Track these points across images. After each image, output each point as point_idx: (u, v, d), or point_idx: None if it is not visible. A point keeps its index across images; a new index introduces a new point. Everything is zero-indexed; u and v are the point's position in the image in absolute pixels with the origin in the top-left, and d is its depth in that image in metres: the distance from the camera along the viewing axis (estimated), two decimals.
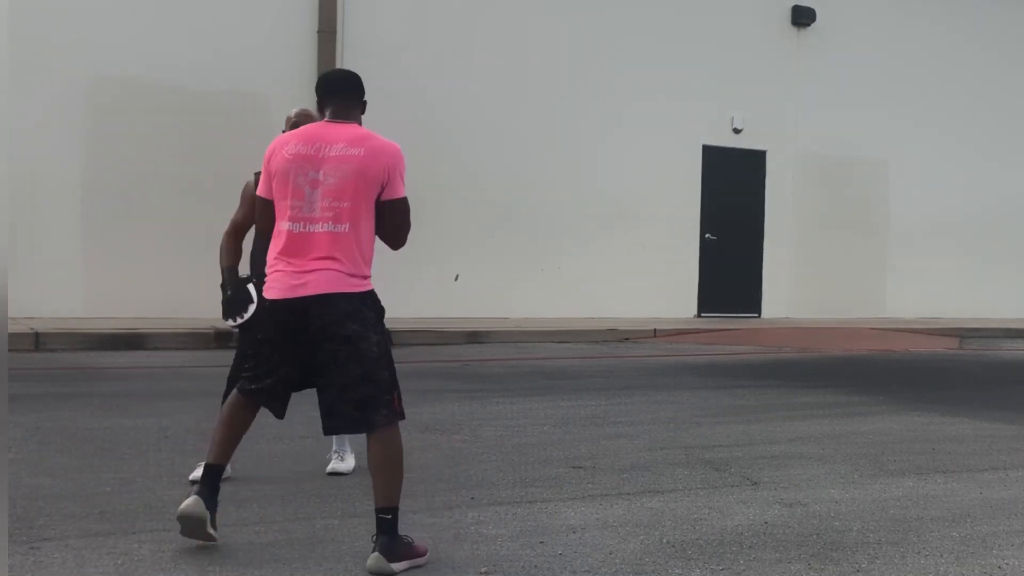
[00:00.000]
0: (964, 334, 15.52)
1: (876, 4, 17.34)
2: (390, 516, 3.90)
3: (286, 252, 4.01)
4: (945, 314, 17.67)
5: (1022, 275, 18.64)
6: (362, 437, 4.18)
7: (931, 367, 11.78)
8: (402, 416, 4.04)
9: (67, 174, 12.34)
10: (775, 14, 16.56)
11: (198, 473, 5.10)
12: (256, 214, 4.28)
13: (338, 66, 13.52)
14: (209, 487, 4.09)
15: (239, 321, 5.02)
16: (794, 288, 16.88)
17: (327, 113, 4.17)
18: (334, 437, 5.43)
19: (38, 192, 12.05)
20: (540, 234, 14.87)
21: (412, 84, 13.91)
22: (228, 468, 5.22)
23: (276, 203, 4.06)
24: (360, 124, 4.20)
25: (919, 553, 4.27)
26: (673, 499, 5.06)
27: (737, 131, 16.26)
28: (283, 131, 5.18)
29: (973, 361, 12.60)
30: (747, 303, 16.57)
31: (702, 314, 16.12)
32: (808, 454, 6.26)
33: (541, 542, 4.28)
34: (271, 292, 4.06)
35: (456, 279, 14.26)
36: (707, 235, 16.19)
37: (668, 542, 4.34)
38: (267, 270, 4.11)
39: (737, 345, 13.43)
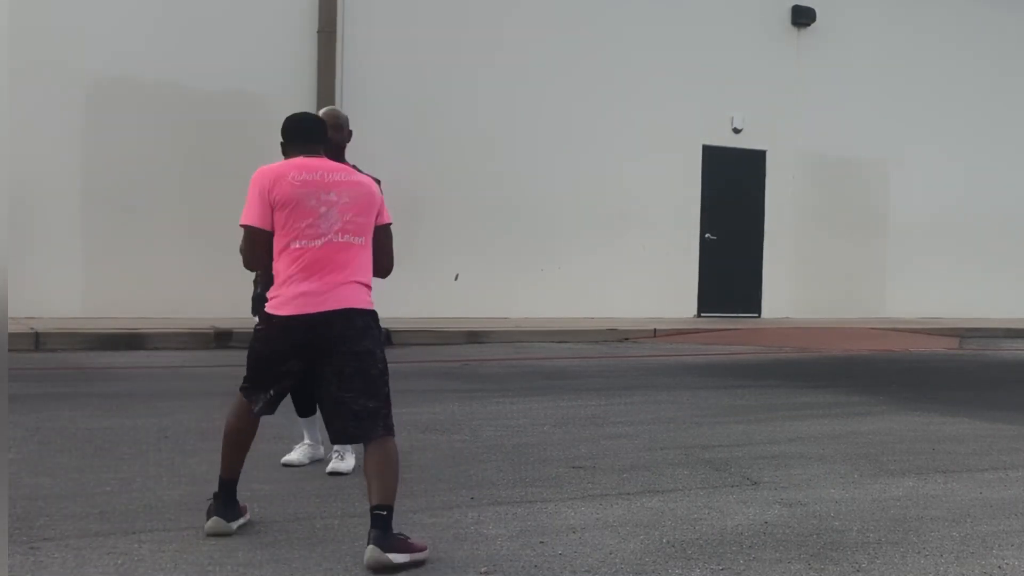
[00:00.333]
0: (964, 334, 15.52)
1: (876, 4, 17.34)
2: (385, 512, 3.95)
3: (306, 268, 4.09)
4: (945, 314, 17.68)
5: (1022, 275, 18.64)
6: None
7: (931, 367, 11.78)
8: (393, 433, 4.14)
9: (67, 174, 12.35)
10: (775, 14, 16.56)
11: (291, 457, 5.59)
12: (250, 246, 4.24)
13: (338, 66, 13.55)
14: (224, 501, 4.29)
15: None
16: (794, 288, 16.88)
17: (299, 152, 4.35)
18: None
19: (38, 192, 12.05)
20: (540, 234, 14.87)
21: (412, 84, 13.91)
22: (322, 449, 5.64)
23: (285, 228, 4.12)
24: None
25: (919, 553, 4.27)
26: (673, 499, 5.06)
27: (737, 131, 16.27)
28: None
29: (973, 361, 12.60)
30: (747, 303, 16.58)
31: (702, 314, 16.13)
32: (808, 454, 6.26)
33: (541, 542, 4.28)
34: (288, 308, 4.10)
35: (456, 279, 14.27)
36: (707, 235, 16.19)
37: (668, 542, 4.34)
38: (279, 287, 4.15)
39: (737, 345, 13.43)
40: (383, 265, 4.35)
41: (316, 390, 4.19)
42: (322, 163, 4.28)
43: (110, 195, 12.53)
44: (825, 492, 5.28)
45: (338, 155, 5.26)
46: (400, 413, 7.17)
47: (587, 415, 7.43)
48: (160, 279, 12.66)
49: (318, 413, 5.44)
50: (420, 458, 5.85)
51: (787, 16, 16.62)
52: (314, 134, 4.43)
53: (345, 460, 5.47)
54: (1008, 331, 16.09)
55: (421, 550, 3.99)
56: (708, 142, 16.12)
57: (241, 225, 4.20)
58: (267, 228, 4.16)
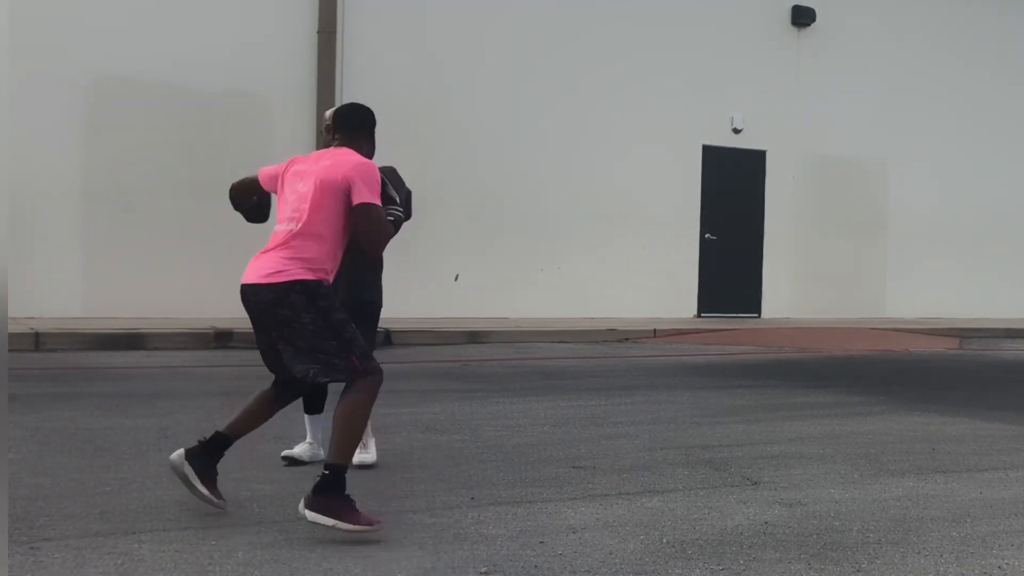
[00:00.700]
0: (964, 334, 15.52)
1: (876, 4, 17.34)
2: (328, 472, 4.16)
3: (268, 243, 4.58)
4: (945, 314, 17.68)
5: (1022, 275, 18.64)
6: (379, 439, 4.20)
7: (931, 367, 11.78)
8: (368, 372, 4.34)
9: (67, 174, 12.35)
10: (775, 14, 16.56)
11: (291, 451, 5.59)
12: (245, 182, 4.91)
13: (338, 66, 13.55)
14: (203, 447, 4.56)
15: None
16: (794, 288, 16.88)
17: (335, 140, 4.74)
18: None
19: (38, 192, 12.06)
20: (540, 234, 14.87)
21: (412, 84, 13.91)
22: (315, 450, 5.60)
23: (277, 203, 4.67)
24: (361, 150, 4.72)
25: (919, 553, 4.27)
26: (673, 499, 5.06)
27: (737, 131, 16.27)
28: (323, 128, 5.25)
29: (973, 361, 12.60)
30: (747, 303, 16.58)
31: (702, 314, 16.13)
32: (808, 454, 6.26)
33: (541, 542, 4.28)
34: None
35: (456, 279, 14.27)
36: (707, 235, 16.20)
37: (668, 542, 4.34)
38: None
39: (737, 345, 13.43)
40: (365, 243, 4.52)
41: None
42: (323, 153, 4.63)
43: (110, 195, 12.54)
44: (825, 492, 5.28)
45: None
46: (400, 413, 7.19)
47: (587, 415, 7.43)
48: (160, 279, 12.66)
49: (324, 413, 5.53)
50: (420, 458, 5.85)
51: (787, 16, 16.63)
52: (338, 122, 4.78)
53: (368, 451, 5.51)
54: (1008, 331, 16.09)
55: (356, 523, 4.13)
56: (708, 142, 16.12)
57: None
58: (265, 187, 4.80)
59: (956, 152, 18.05)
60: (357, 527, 4.13)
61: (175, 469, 4.51)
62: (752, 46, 16.34)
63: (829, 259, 17.11)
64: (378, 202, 4.45)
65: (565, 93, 14.99)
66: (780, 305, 16.79)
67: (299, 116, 13.30)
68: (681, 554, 4.17)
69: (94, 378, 8.75)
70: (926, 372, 11.29)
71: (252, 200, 4.93)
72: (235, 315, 12.53)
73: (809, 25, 16.71)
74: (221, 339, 11.24)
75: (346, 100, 13.59)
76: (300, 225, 4.44)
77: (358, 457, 5.41)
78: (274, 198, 4.78)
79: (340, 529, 4.10)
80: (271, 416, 4.73)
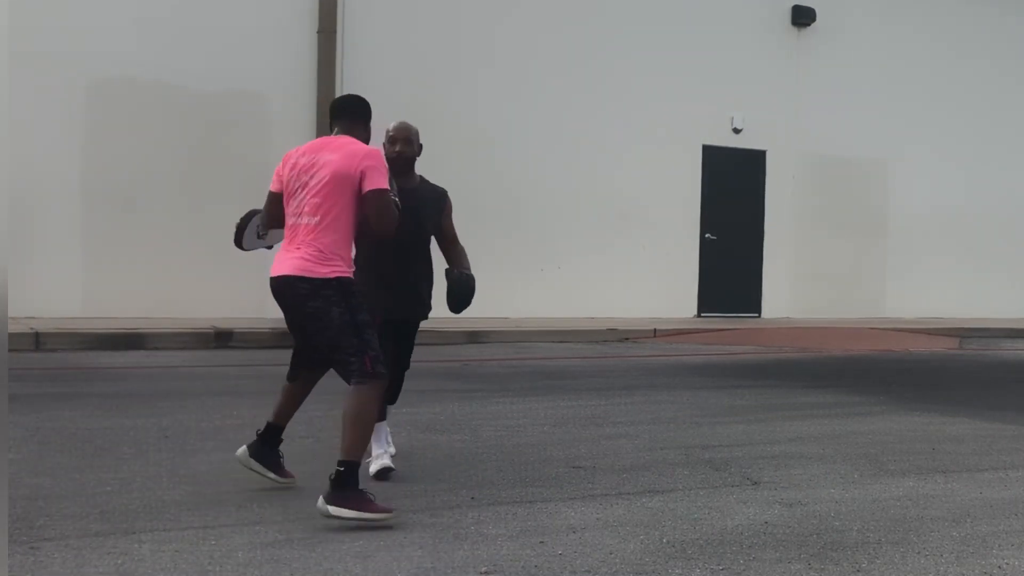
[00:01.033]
0: (964, 334, 15.53)
1: (876, 4, 17.35)
2: (343, 468, 4.39)
3: (285, 239, 4.79)
4: (945, 314, 17.68)
5: (1022, 275, 18.65)
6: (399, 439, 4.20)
7: (931, 367, 11.78)
8: (375, 376, 4.55)
9: (67, 174, 12.35)
10: (775, 14, 16.56)
11: (384, 462, 5.41)
12: (271, 208, 4.96)
13: (338, 66, 13.55)
14: (261, 440, 4.99)
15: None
16: (794, 288, 16.89)
17: (334, 130, 4.90)
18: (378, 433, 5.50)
19: (38, 192, 12.06)
20: (540, 234, 14.87)
21: (412, 84, 13.91)
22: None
23: (287, 206, 4.80)
24: (360, 139, 4.86)
25: (919, 553, 4.27)
26: (673, 499, 5.06)
27: (737, 131, 16.27)
28: (383, 144, 5.39)
29: (973, 361, 12.60)
30: (747, 303, 16.58)
31: (702, 314, 16.13)
32: (808, 454, 6.26)
33: (541, 542, 4.28)
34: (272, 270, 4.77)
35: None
36: (707, 235, 16.20)
37: (668, 542, 4.34)
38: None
39: (737, 345, 13.43)
40: (379, 227, 4.66)
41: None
42: (323, 145, 4.76)
43: (110, 195, 12.54)
44: (825, 492, 5.28)
45: (408, 168, 5.45)
46: (400, 413, 7.19)
47: (587, 415, 7.43)
48: (160, 279, 12.66)
49: (386, 419, 5.55)
50: (420, 458, 5.85)
51: (787, 16, 16.63)
52: (338, 112, 4.94)
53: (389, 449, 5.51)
54: (1008, 331, 16.09)
55: (373, 511, 4.35)
56: (708, 142, 16.12)
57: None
58: (278, 191, 4.86)
59: (956, 152, 18.06)
60: (377, 515, 4.37)
61: (243, 464, 4.95)
62: (752, 46, 16.34)
63: (829, 259, 17.11)
64: (388, 188, 4.65)
65: (565, 93, 14.99)
66: (780, 305, 16.79)
67: (299, 116, 13.29)
68: (681, 554, 4.18)
69: (94, 378, 8.75)
70: (926, 372, 11.29)
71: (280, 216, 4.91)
72: (235, 315, 12.56)
73: (809, 25, 16.71)
74: (221, 339, 11.24)
75: None
76: (320, 218, 4.61)
77: (376, 464, 5.34)
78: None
79: (362, 519, 4.32)
80: (307, 394, 5.06)
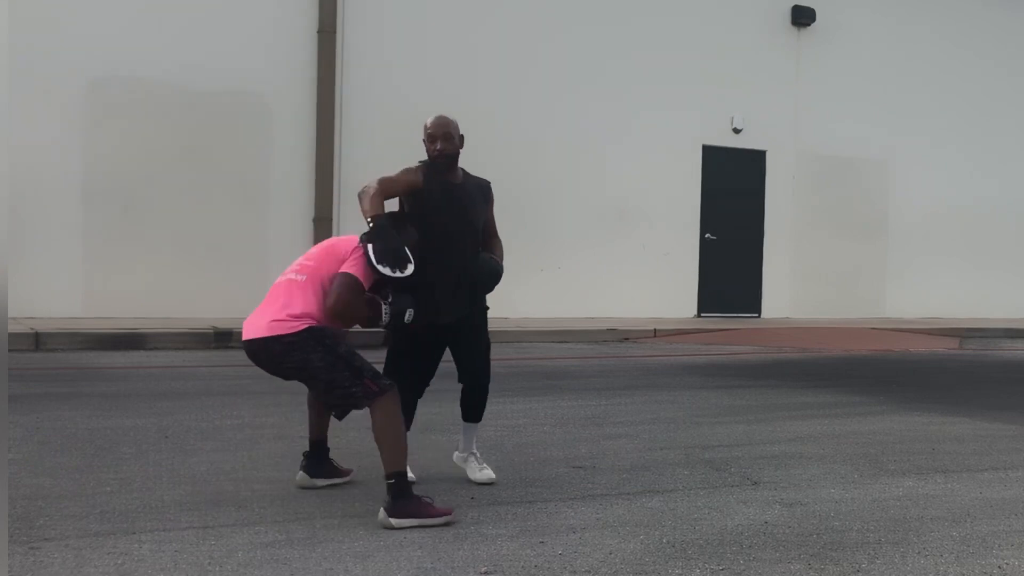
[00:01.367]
0: (964, 334, 15.53)
1: (876, 4, 17.35)
2: (392, 481, 4.49)
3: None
4: (945, 314, 17.68)
5: (1022, 275, 18.65)
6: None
7: (931, 367, 11.78)
8: (383, 390, 4.58)
9: (67, 174, 12.35)
10: (775, 14, 16.56)
11: (483, 475, 5.31)
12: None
13: (338, 66, 13.56)
14: (310, 458, 5.13)
15: (401, 274, 4.76)
16: (794, 288, 16.88)
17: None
18: (462, 437, 5.45)
19: (38, 192, 12.06)
20: (540, 234, 14.87)
21: (411, 84, 13.91)
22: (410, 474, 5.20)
23: None
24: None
25: (919, 553, 4.27)
26: (673, 499, 5.06)
27: (737, 131, 16.27)
28: (423, 141, 5.23)
29: (973, 361, 12.59)
30: (747, 303, 16.58)
31: (702, 314, 16.13)
32: (808, 454, 6.26)
33: (541, 542, 4.28)
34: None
35: None
36: (707, 235, 16.20)
37: (668, 542, 4.34)
38: None
39: (737, 345, 13.43)
40: (328, 309, 4.68)
41: None
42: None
43: (110, 195, 12.54)
44: (825, 492, 5.28)
45: (451, 166, 5.21)
46: None
47: (587, 415, 7.43)
48: (160, 279, 12.67)
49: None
50: (420, 458, 5.85)
51: (787, 16, 16.63)
52: None
53: (484, 469, 5.32)
54: (1008, 331, 16.09)
55: (432, 515, 4.45)
56: (708, 142, 16.12)
57: None
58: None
59: (956, 152, 18.06)
60: (439, 518, 4.48)
61: (306, 487, 5.09)
62: (752, 46, 16.34)
63: (829, 259, 17.11)
64: (358, 276, 4.67)
65: (565, 93, 15.00)
66: (780, 305, 16.79)
67: (299, 116, 13.29)
68: (681, 554, 4.18)
69: (94, 378, 8.75)
70: (926, 372, 11.29)
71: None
72: (235, 315, 12.55)
73: (809, 25, 16.71)
74: (221, 339, 11.24)
75: (346, 100, 13.60)
76: (307, 278, 4.75)
77: (480, 475, 5.27)
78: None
79: (425, 524, 4.43)
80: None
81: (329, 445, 5.26)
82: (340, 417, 4.79)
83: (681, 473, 5.64)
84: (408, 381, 5.14)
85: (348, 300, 4.66)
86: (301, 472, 5.11)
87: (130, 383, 8.56)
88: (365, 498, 4.93)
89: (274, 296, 4.76)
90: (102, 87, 12.47)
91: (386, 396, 4.58)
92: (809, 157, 16.89)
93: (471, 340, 5.25)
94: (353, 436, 6.48)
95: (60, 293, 12.20)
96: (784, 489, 5.33)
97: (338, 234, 13.58)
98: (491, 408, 7.61)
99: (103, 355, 10.28)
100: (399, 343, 5.16)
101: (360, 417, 7.17)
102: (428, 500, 4.53)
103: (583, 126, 15.14)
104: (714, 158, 16.17)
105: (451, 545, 4.20)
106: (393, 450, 4.52)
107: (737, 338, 13.99)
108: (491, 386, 5.53)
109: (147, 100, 12.66)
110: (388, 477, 4.51)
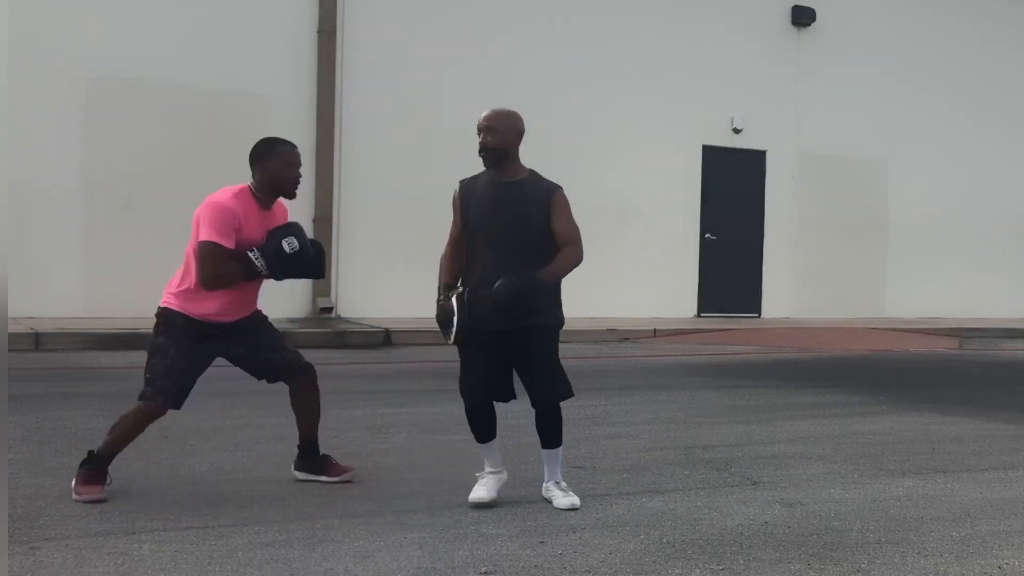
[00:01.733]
0: (964, 334, 15.52)
1: (876, 4, 17.34)
2: (89, 455, 4.94)
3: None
4: (945, 314, 17.68)
5: (1022, 275, 18.64)
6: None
7: (931, 367, 11.78)
8: (141, 397, 4.94)
9: (67, 174, 12.35)
10: (775, 14, 16.56)
11: (478, 494, 4.83)
12: None
13: (338, 66, 13.56)
14: (300, 454, 5.22)
15: (450, 339, 4.82)
16: (794, 288, 16.88)
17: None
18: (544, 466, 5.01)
19: (38, 192, 12.05)
20: None
21: (412, 84, 13.91)
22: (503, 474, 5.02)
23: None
24: (250, 182, 5.09)
25: (919, 553, 4.27)
26: (673, 499, 5.06)
27: (737, 131, 16.27)
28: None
29: (973, 361, 12.59)
30: (747, 303, 16.57)
31: (702, 314, 16.13)
32: (808, 454, 6.26)
33: (541, 542, 4.28)
34: None
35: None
36: (707, 235, 16.19)
37: (668, 542, 4.34)
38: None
39: (737, 345, 13.43)
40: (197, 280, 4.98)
41: None
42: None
43: (110, 195, 12.54)
44: (825, 492, 5.28)
45: (498, 160, 5.01)
46: (400, 413, 7.20)
47: (587, 415, 7.43)
48: (160, 279, 12.49)
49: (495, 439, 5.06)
50: (420, 458, 5.85)
51: (787, 16, 16.62)
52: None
53: (568, 495, 4.86)
54: (1008, 331, 16.09)
55: (89, 493, 4.72)
56: (708, 142, 16.12)
57: None
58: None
59: (956, 152, 18.05)
60: (91, 495, 4.72)
61: (297, 479, 5.18)
62: (752, 46, 16.33)
63: (829, 259, 17.10)
64: (212, 239, 4.82)
65: (565, 93, 14.98)
66: (780, 305, 16.79)
67: (299, 116, 13.29)
68: (681, 554, 4.18)
69: (94, 378, 8.75)
70: (926, 372, 11.29)
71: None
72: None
73: (809, 25, 16.71)
74: None
75: (346, 100, 13.60)
76: (184, 257, 5.09)
77: (563, 501, 4.82)
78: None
79: (82, 500, 4.69)
80: (307, 400, 5.18)
81: (334, 446, 5.27)
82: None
83: (681, 473, 5.64)
84: (479, 391, 4.92)
85: (211, 271, 4.84)
86: (294, 471, 5.26)
87: (130, 383, 8.51)
88: (365, 498, 4.93)
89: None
90: (102, 87, 12.47)
91: (145, 404, 4.94)
92: (809, 157, 16.88)
93: (519, 358, 4.87)
94: (353, 436, 6.49)
95: (60, 293, 12.19)
96: (784, 489, 5.33)
97: (338, 235, 13.59)
98: None
99: (103, 355, 10.28)
100: (462, 348, 4.93)
101: (360, 417, 7.17)
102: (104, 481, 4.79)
103: (583, 126, 15.13)
104: (714, 158, 16.16)
105: (451, 545, 4.20)
106: (114, 438, 4.89)
107: (737, 338, 13.99)
108: None
109: (147, 100, 12.66)
110: (92, 451, 4.88)
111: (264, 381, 5.26)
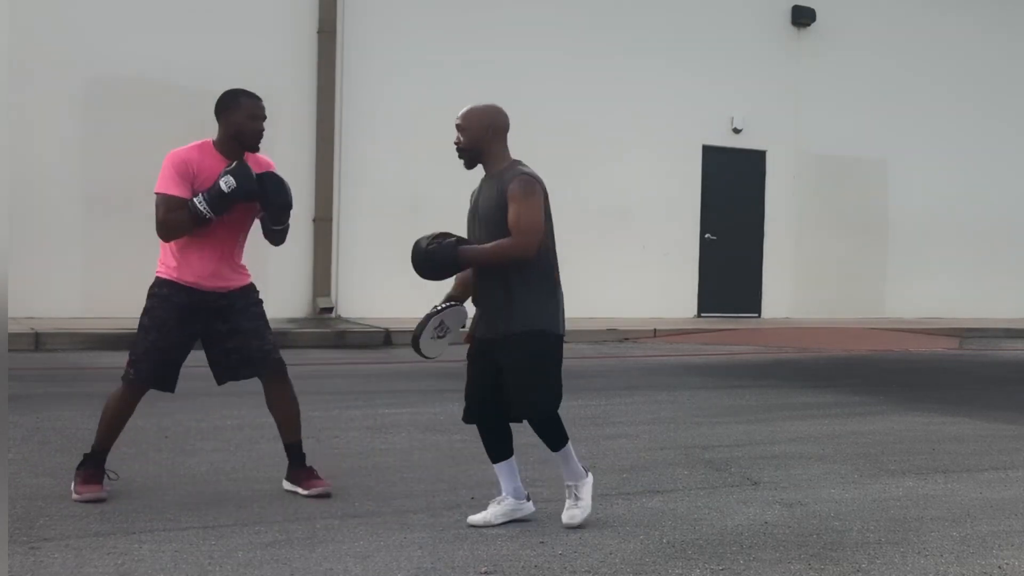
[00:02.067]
0: (964, 334, 15.52)
1: (876, 4, 17.34)
2: (87, 454, 4.95)
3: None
4: (945, 314, 17.67)
5: (1022, 275, 18.64)
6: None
7: (931, 367, 11.78)
8: (124, 378, 5.05)
9: (67, 174, 12.35)
10: (775, 14, 16.56)
11: (477, 517, 4.58)
12: None
13: (338, 66, 13.55)
14: (292, 460, 5.09)
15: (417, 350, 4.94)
16: (794, 288, 16.88)
17: None
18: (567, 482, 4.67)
19: (38, 192, 12.05)
20: None
21: (412, 84, 13.91)
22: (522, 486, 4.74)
23: None
24: (216, 136, 5.27)
25: (919, 553, 4.27)
26: (673, 499, 5.06)
27: (737, 131, 16.27)
28: None
29: (973, 361, 12.59)
30: (747, 303, 16.57)
31: (702, 314, 16.12)
32: (808, 454, 6.26)
33: (541, 542, 4.28)
34: None
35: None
36: (707, 235, 16.19)
37: (668, 542, 4.34)
38: None
39: (737, 345, 13.43)
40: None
41: None
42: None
43: (110, 195, 12.53)
44: (825, 492, 5.28)
45: (471, 160, 5.01)
46: (400, 413, 7.20)
47: (587, 415, 7.43)
48: None
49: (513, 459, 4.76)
50: (420, 458, 5.85)
51: (787, 16, 16.62)
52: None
53: (580, 505, 4.56)
54: (1008, 331, 16.08)
55: (85, 492, 4.75)
56: (708, 142, 16.11)
57: None
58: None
59: (956, 152, 18.04)
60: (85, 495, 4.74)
61: (287, 490, 5.04)
62: (752, 46, 16.33)
63: (829, 259, 17.10)
64: (160, 190, 4.84)
65: (565, 93, 14.98)
66: (780, 305, 16.79)
67: (299, 116, 13.29)
68: (681, 554, 4.18)
69: (94, 378, 8.75)
70: (926, 372, 11.29)
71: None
72: None
73: (809, 25, 16.70)
74: None
75: (346, 100, 13.60)
76: None
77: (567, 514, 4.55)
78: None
79: (80, 499, 4.72)
80: (283, 399, 5.07)
81: (334, 446, 5.26)
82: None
83: (681, 473, 5.64)
84: (473, 405, 4.78)
85: (161, 219, 4.82)
86: (286, 482, 5.11)
87: None
88: (365, 498, 4.93)
89: None
90: (102, 86, 12.47)
91: (125, 385, 5.00)
92: (809, 157, 16.88)
93: (506, 365, 4.57)
94: (353, 436, 6.49)
95: (60, 293, 12.19)
96: (784, 489, 5.33)
97: (338, 235, 13.59)
98: None
99: (103, 355, 10.27)
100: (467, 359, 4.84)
101: (360, 417, 7.17)
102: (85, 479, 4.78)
103: (583, 126, 15.12)
104: (714, 158, 16.16)
105: (451, 545, 4.20)
106: (102, 430, 4.91)
107: (737, 338, 13.99)
108: None
109: (147, 100, 12.65)
110: (87, 453, 4.90)
111: (224, 381, 5.12)
